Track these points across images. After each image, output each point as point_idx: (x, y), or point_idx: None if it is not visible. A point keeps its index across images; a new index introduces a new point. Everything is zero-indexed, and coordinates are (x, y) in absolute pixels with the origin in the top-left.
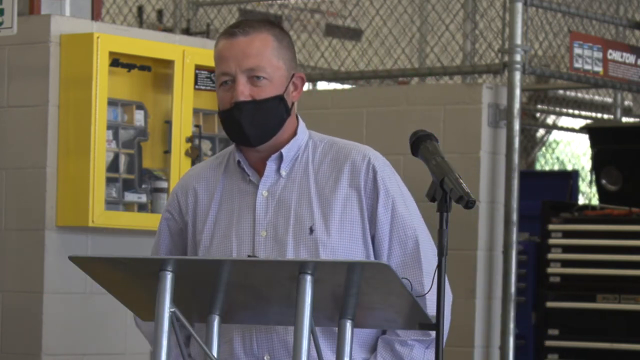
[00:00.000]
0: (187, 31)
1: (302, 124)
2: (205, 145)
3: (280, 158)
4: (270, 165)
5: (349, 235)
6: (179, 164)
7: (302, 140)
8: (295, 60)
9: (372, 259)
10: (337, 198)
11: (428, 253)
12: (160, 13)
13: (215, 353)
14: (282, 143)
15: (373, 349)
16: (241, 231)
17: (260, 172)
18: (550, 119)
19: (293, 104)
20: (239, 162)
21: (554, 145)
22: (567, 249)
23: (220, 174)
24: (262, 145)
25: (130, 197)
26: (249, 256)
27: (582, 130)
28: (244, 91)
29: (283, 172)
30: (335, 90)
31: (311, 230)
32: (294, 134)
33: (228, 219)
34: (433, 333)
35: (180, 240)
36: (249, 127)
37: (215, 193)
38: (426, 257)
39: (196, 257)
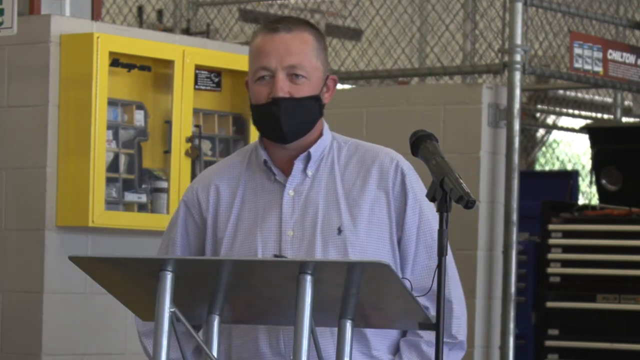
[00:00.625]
0: (187, 31)
1: (326, 125)
2: (205, 145)
3: (308, 158)
4: (298, 165)
5: (377, 236)
6: (179, 164)
7: (327, 141)
8: (328, 63)
9: (398, 260)
10: (365, 199)
11: (451, 259)
12: (160, 13)
13: (215, 353)
14: (309, 143)
15: (396, 349)
16: (266, 230)
17: (285, 171)
18: (550, 119)
19: (324, 105)
20: (265, 161)
21: (554, 145)
22: (567, 249)
23: (243, 171)
24: (293, 143)
25: (130, 197)
26: (275, 255)
27: (582, 130)
28: (284, 87)
29: (309, 172)
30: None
31: (339, 231)
32: (320, 134)
33: (252, 218)
34: (459, 336)
35: (195, 236)
36: (286, 124)
37: (238, 191)
38: (450, 262)
39: (196, 257)
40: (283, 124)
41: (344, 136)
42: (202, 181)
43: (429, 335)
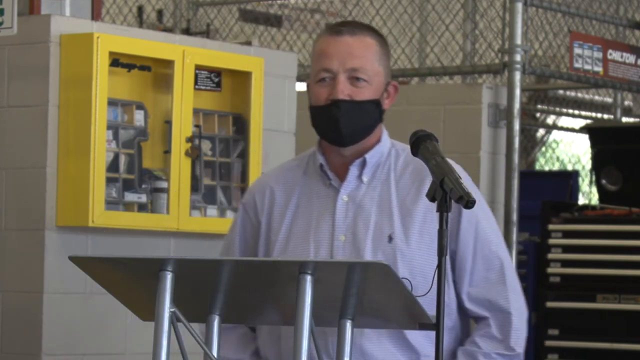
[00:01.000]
0: (187, 31)
1: (385, 132)
2: (205, 145)
3: (364, 164)
4: (353, 170)
5: (427, 246)
6: (179, 164)
7: (385, 148)
8: (390, 70)
9: (449, 272)
10: (418, 209)
11: (511, 269)
12: (160, 13)
13: (215, 353)
14: (366, 149)
15: (451, 357)
16: (320, 234)
17: (341, 176)
18: (550, 119)
19: (384, 111)
20: (321, 165)
21: (554, 145)
22: (567, 249)
23: (300, 176)
24: (350, 146)
25: (130, 197)
26: None
27: (582, 130)
28: (344, 90)
29: (364, 178)
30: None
31: (390, 239)
32: (378, 141)
33: (306, 222)
34: (517, 348)
35: (252, 238)
36: (345, 126)
37: (293, 195)
38: (510, 273)
39: (196, 257)
40: (342, 126)
41: (403, 144)
42: (260, 184)
43: (487, 347)
